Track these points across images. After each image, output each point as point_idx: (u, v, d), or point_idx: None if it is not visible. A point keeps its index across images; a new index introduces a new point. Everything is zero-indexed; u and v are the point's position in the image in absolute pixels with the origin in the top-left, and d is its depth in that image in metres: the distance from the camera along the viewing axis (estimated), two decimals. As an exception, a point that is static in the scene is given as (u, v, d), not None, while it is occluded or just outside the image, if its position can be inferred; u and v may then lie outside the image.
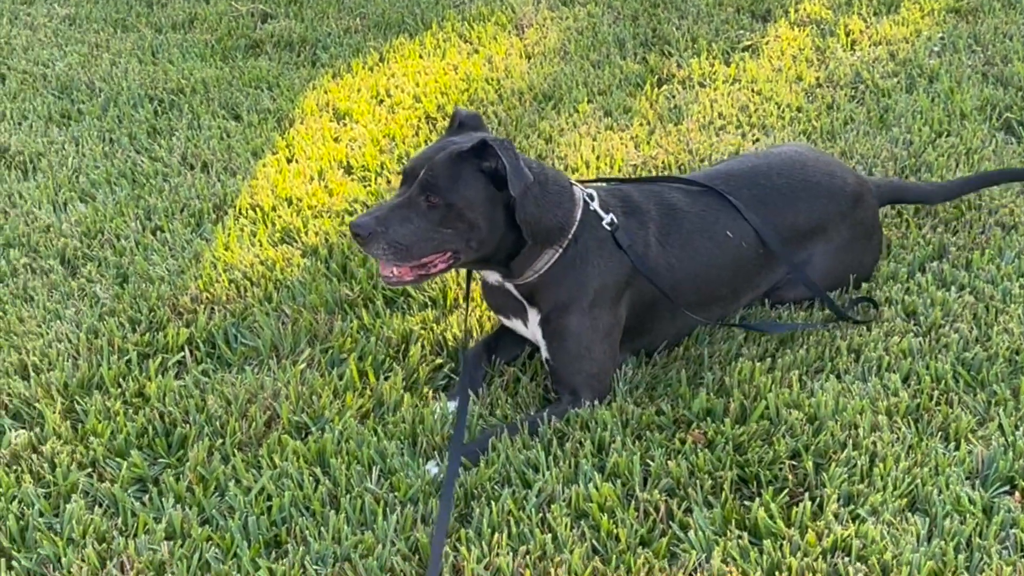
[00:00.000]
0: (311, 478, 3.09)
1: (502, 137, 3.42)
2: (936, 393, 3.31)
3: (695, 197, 3.57)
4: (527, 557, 2.82)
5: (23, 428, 3.35)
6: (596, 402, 3.35)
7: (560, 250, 3.31)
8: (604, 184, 3.70)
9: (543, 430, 3.23)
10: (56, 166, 4.86)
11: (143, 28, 6.46)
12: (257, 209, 4.46)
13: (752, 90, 5.33)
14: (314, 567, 2.82)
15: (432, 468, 3.14)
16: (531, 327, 3.44)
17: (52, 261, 4.14)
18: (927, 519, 2.88)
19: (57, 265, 4.12)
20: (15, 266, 4.12)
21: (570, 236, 3.32)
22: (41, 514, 3.02)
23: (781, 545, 2.81)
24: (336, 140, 5.03)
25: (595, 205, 3.37)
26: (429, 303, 3.86)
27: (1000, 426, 3.17)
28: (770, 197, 3.66)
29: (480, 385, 3.48)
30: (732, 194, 3.58)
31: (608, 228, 3.36)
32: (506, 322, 3.56)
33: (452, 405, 3.35)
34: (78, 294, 3.96)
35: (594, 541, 2.87)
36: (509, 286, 3.40)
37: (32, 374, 3.52)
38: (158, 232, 4.34)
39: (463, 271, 3.69)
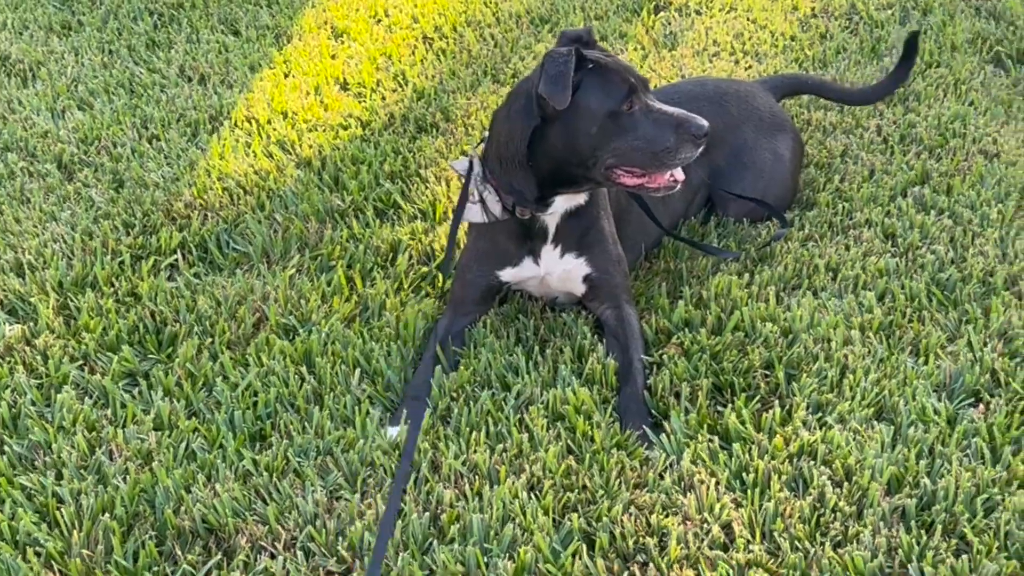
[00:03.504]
0: (296, 377, 3.18)
1: None
2: (909, 311, 3.38)
3: None
4: (504, 455, 2.91)
5: (17, 323, 3.44)
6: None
7: None
8: None
9: (639, 365, 3.22)
10: (55, 75, 4.92)
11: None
12: (253, 121, 4.52)
13: (747, 19, 5.36)
14: (297, 459, 2.92)
15: (392, 431, 3.06)
16: (545, 261, 3.36)
17: (49, 165, 4.21)
18: (892, 428, 2.97)
19: (54, 169, 4.19)
20: (12, 169, 4.19)
21: None
22: (33, 403, 3.12)
23: (750, 449, 2.90)
24: (333, 57, 5.08)
25: None
26: (419, 215, 3.93)
27: (969, 343, 3.24)
28: None
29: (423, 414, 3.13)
30: None
31: None
32: (505, 272, 3.37)
33: (393, 431, 3.06)
34: (74, 197, 4.03)
35: (569, 442, 2.96)
36: (556, 215, 3.30)
37: (27, 272, 3.60)
38: (154, 140, 4.40)
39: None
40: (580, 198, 3.30)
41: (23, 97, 4.71)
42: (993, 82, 4.76)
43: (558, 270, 3.37)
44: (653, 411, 3.10)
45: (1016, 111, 4.52)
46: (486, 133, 3.36)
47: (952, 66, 4.83)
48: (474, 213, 3.30)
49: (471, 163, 3.32)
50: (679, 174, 3.19)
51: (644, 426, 3.04)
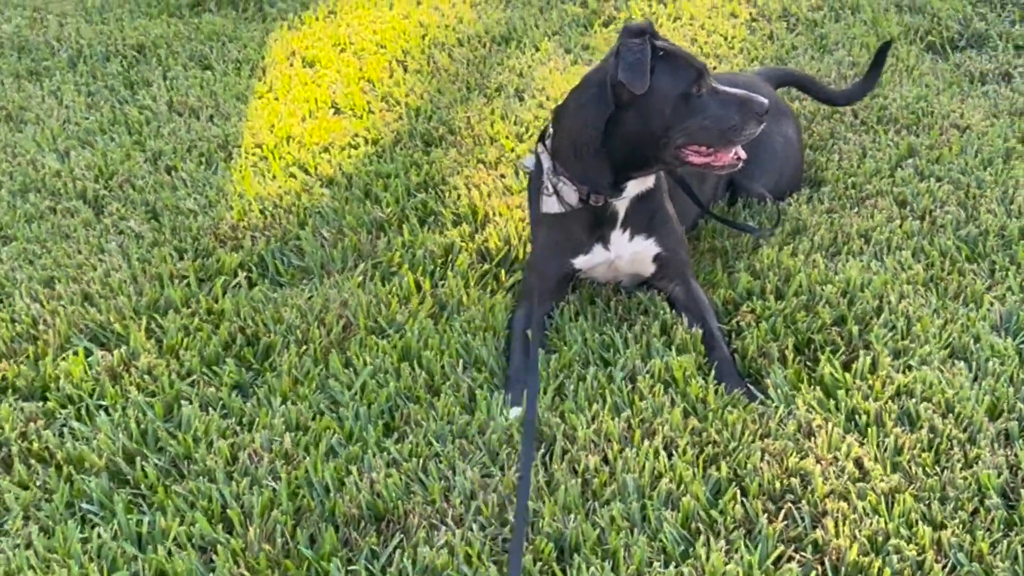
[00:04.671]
0: (408, 371, 3.28)
1: None
2: (946, 264, 3.67)
3: None
4: (630, 421, 3.08)
5: (103, 349, 3.45)
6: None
7: None
8: None
9: (718, 333, 3.42)
10: (44, 117, 4.89)
11: (76, -9, 6.46)
12: (263, 147, 4.59)
13: (696, 26, 5.66)
14: (437, 445, 3.03)
15: (515, 410, 3.19)
16: (614, 246, 3.53)
17: (76, 202, 4.21)
18: (970, 365, 3.24)
19: (81, 206, 4.19)
20: (39, 209, 4.18)
21: None
22: (156, 419, 3.15)
23: (852, 395, 3.13)
24: (316, 84, 5.18)
25: None
26: (460, 219, 4.06)
27: (1009, 288, 3.55)
28: None
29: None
30: None
31: None
32: (578, 260, 3.54)
33: (516, 411, 3.19)
34: (113, 230, 4.04)
35: (685, 405, 3.14)
36: (626, 200, 3.47)
37: (100, 301, 3.61)
38: (172, 172, 4.43)
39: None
40: (649, 181, 3.50)
41: (19, 141, 4.68)
42: (935, 68, 5.15)
43: (628, 253, 3.55)
44: (747, 372, 3.31)
45: (968, 89, 4.91)
46: (550, 129, 3.53)
47: (898, 55, 5.21)
48: (551, 204, 3.47)
49: (538, 158, 3.50)
50: (742, 152, 3.42)
51: (745, 384, 3.25)
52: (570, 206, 3.45)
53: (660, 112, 3.31)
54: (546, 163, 3.48)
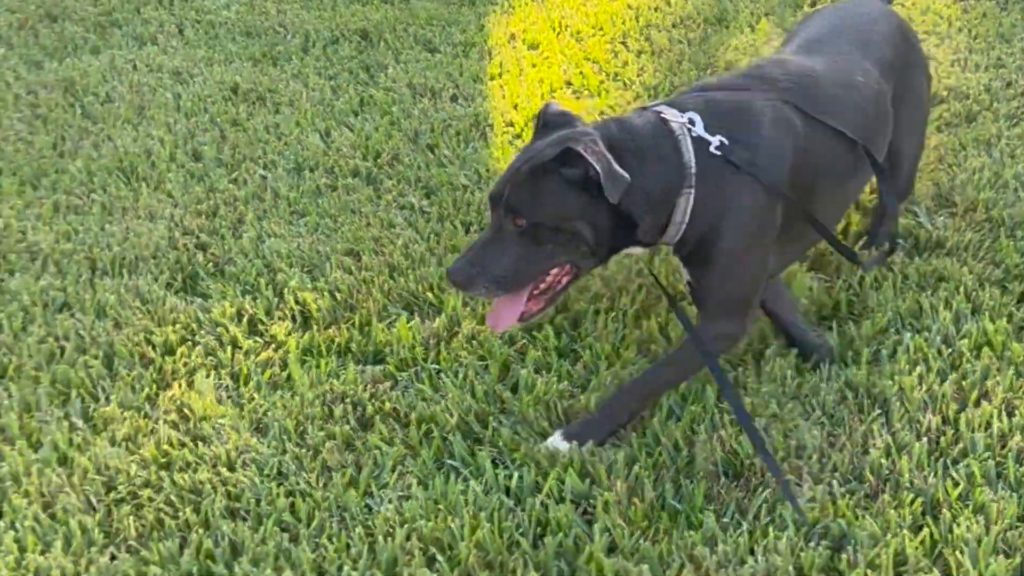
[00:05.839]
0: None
1: (587, 132, 2.89)
2: None
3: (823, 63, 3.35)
4: (961, 383, 3.14)
5: (417, 317, 3.58)
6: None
7: (691, 190, 2.96)
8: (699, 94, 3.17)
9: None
10: (295, 99, 5.05)
11: (280, -20, 6.62)
12: (514, 125, 4.70)
13: (909, 4, 5.68)
14: (774, 406, 3.10)
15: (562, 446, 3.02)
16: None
17: (350, 179, 4.35)
18: None
19: (358, 183, 4.32)
20: (318, 185, 4.31)
21: (693, 172, 2.95)
22: (493, 382, 3.26)
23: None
24: (547, 65, 5.28)
25: (698, 130, 2.98)
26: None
27: None
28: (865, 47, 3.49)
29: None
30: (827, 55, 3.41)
31: (718, 153, 2.97)
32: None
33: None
34: (394, 205, 4.17)
35: (1014, 367, 3.19)
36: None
37: (406, 271, 3.74)
38: (434, 149, 4.55)
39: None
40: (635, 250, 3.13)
41: (280, 121, 4.83)
42: None
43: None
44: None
45: None
46: None
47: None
48: None
49: None
50: (509, 321, 3.02)
51: None
52: None
53: None
54: None
